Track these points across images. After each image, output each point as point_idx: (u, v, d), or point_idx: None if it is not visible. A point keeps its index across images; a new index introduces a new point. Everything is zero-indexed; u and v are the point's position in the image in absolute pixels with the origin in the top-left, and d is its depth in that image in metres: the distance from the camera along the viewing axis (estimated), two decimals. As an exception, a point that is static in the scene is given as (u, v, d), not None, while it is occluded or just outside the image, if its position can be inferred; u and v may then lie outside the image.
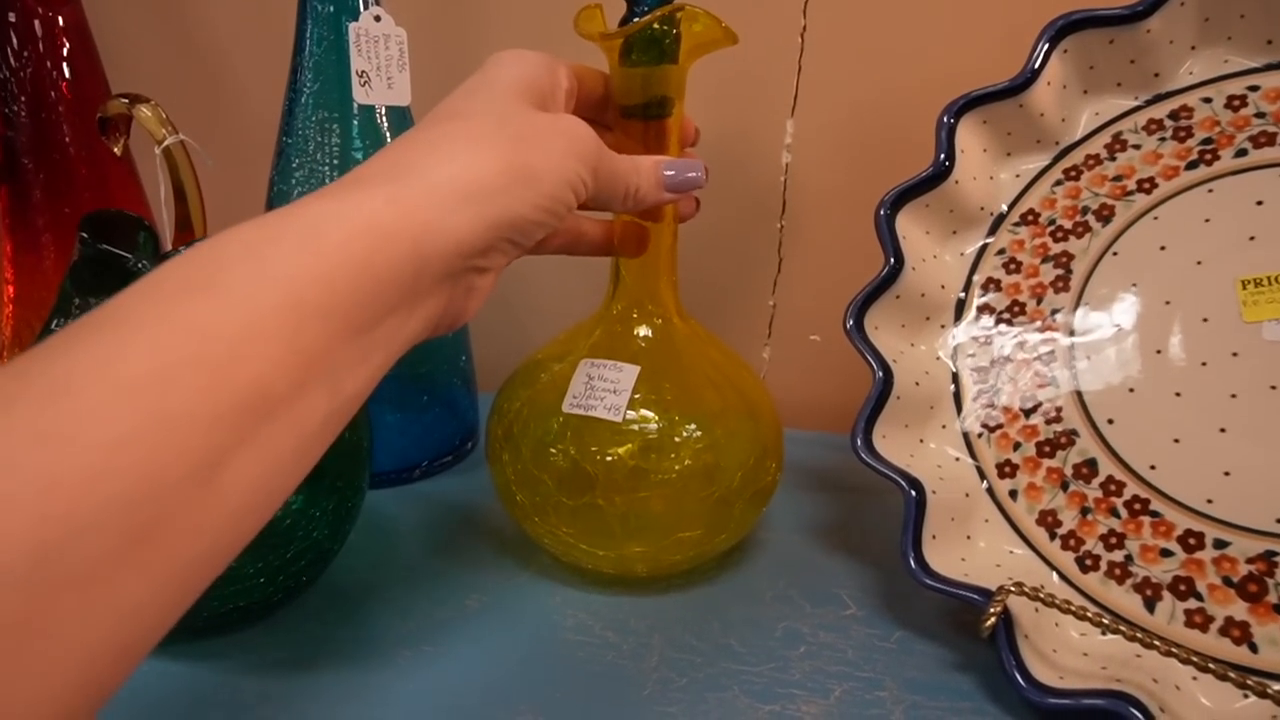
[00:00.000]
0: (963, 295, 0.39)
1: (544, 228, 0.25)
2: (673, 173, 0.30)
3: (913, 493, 0.33)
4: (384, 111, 0.41)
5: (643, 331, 0.35)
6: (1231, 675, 0.27)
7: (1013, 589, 0.30)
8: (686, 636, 0.33)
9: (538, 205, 0.24)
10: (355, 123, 0.41)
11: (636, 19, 0.32)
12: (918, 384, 0.37)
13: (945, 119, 0.39)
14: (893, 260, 0.38)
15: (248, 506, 0.18)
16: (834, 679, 0.31)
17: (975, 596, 0.31)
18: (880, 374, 0.36)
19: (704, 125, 0.50)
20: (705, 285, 0.54)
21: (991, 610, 0.30)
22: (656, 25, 0.31)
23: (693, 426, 0.34)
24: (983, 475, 0.36)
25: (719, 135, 0.52)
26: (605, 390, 0.33)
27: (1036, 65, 0.38)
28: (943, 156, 0.38)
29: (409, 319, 0.23)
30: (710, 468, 0.33)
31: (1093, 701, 0.28)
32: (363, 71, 0.38)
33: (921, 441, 0.37)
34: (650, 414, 0.33)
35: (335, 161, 0.41)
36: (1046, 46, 0.38)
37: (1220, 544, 0.30)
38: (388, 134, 0.41)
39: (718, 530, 0.34)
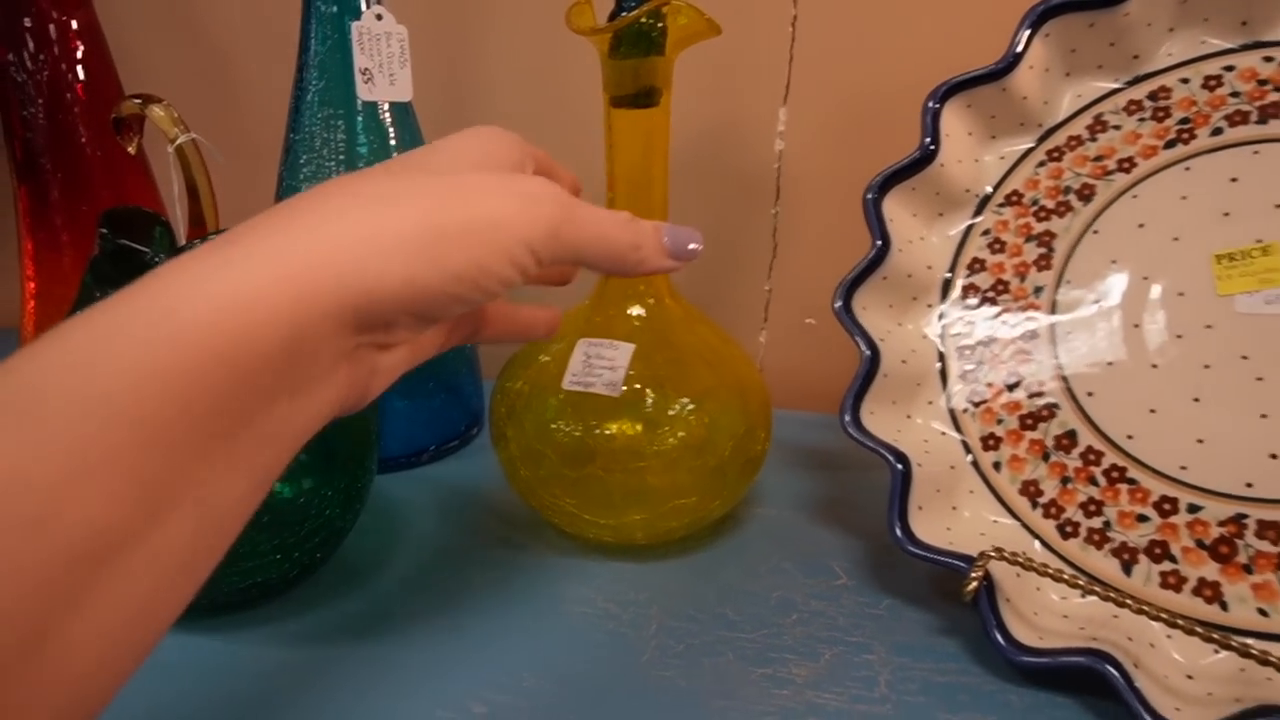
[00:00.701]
0: (949, 275, 0.40)
1: (459, 303, 0.21)
2: (671, 239, 0.26)
3: (899, 466, 0.35)
4: (387, 108, 0.42)
5: (636, 311, 0.37)
6: (1200, 630, 0.28)
7: (993, 554, 0.31)
8: (684, 606, 0.35)
9: (453, 274, 0.20)
10: (359, 119, 0.42)
11: (625, 14, 0.33)
12: (904, 362, 0.38)
13: (930, 104, 0.40)
14: (880, 242, 0.39)
15: (101, 660, 0.16)
16: (824, 643, 0.33)
17: (959, 563, 0.32)
18: (868, 352, 0.37)
19: (698, 114, 0.52)
20: (702, 271, 0.56)
21: (973, 575, 0.31)
22: (644, 19, 0.33)
23: (686, 400, 0.35)
24: (968, 449, 0.37)
25: (713, 124, 0.53)
26: (603, 368, 0.35)
27: (1019, 49, 0.39)
28: (928, 140, 0.40)
29: (298, 410, 0.19)
30: (703, 439, 0.35)
31: (1071, 659, 0.29)
32: (366, 69, 0.39)
33: (909, 417, 0.38)
34: (646, 389, 0.35)
35: (341, 157, 0.42)
36: (1028, 31, 0.39)
37: (1194, 508, 0.31)
38: (391, 129, 0.43)
39: (712, 497, 0.36)
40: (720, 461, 0.35)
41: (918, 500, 0.35)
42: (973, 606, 0.32)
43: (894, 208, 0.40)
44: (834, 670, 0.31)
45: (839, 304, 0.39)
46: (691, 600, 0.35)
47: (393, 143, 0.43)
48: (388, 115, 0.43)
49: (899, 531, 0.34)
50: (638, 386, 0.35)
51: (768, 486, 0.44)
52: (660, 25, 0.34)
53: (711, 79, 0.51)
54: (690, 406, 0.35)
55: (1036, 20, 0.39)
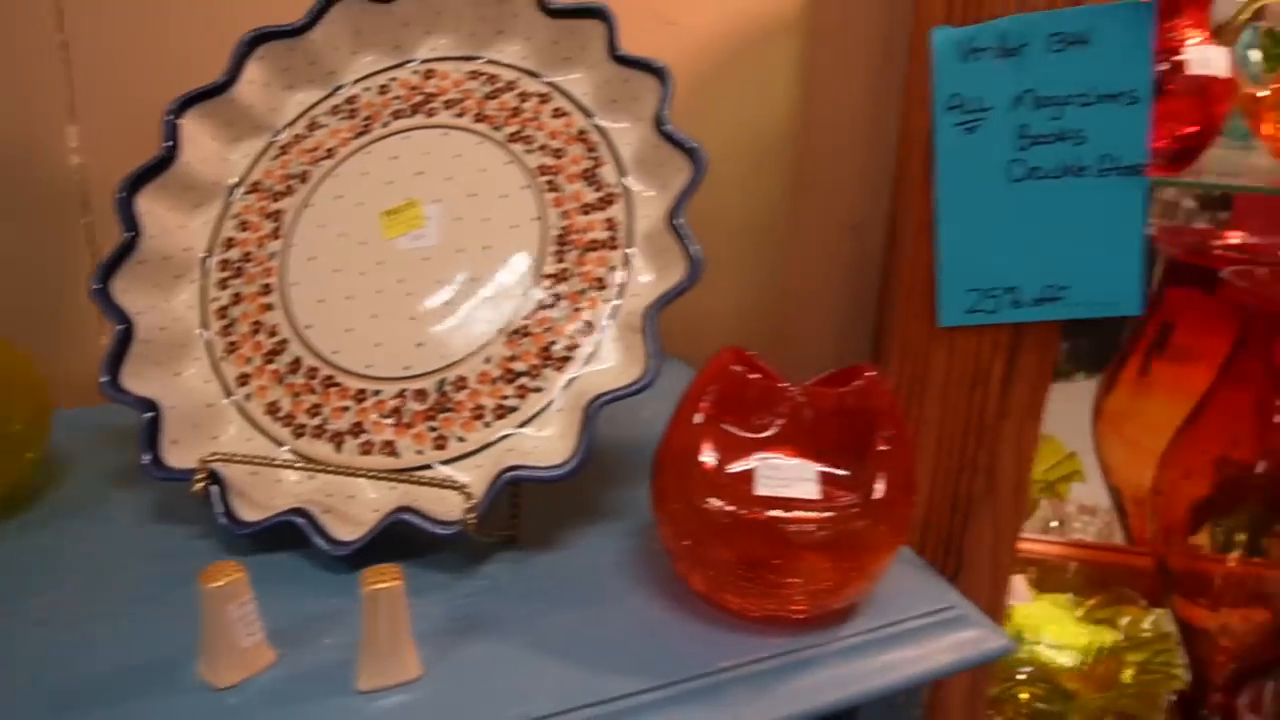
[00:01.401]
0: (206, 255, 0.47)
1: None
2: None
3: (146, 414, 0.41)
4: None
5: None
6: (381, 476, 0.40)
7: (211, 459, 0.39)
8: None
9: None
10: None
11: None
12: (164, 329, 0.44)
13: (167, 116, 0.47)
14: (131, 234, 0.45)
15: None
16: (73, 573, 0.37)
17: (186, 477, 0.39)
18: (120, 327, 0.43)
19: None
20: (27, 291, 0.56)
21: (197, 477, 0.38)
22: None
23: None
24: (227, 390, 0.44)
25: (2, 149, 0.53)
26: None
27: (235, 70, 0.48)
28: (169, 145, 0.46)
29: None
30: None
31: (269, 521, 0.38)
32: None
33: (177, 375, 0.44)
34: None
35: None
36: (242, 55, 0.49)
37: (376, 393, 0.43)
38: None
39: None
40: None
41: (172, 436, 0.41)
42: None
43: (149, 203, 0.46)
44: (77, 592, 0.36)
45: (96, 287, 0.43)
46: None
47: None
48: None
49: (148, 463, 0.40)
50: None
51: (85, 470, 0.47)
52: None
53: (-14, 104, 0.52)
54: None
55: (248, 46, 0.49)
